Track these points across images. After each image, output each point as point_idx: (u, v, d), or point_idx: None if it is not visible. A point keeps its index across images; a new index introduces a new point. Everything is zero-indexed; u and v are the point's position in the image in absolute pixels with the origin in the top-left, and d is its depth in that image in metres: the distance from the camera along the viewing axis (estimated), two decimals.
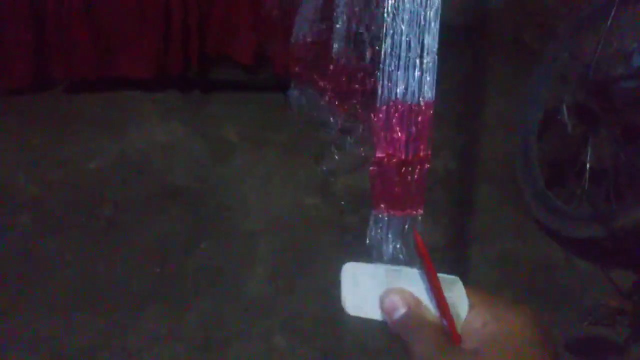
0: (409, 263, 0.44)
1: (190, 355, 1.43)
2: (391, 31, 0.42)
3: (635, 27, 1.80)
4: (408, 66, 0.42)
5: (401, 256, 0.44)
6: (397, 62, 0.42)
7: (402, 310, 0.42)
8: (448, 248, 1.70)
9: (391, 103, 0.42)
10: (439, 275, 0.43)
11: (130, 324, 1.47)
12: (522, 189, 1.89)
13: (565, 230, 1.70)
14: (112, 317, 1.47)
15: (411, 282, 0.44)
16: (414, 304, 0.42)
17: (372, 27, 0.49)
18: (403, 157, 0.43)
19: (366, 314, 0.44)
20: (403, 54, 0.42)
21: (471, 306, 0.42)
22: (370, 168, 0.43)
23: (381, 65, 0.42)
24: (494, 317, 0.41)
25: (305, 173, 1.92)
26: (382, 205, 0.44)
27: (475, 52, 2.44)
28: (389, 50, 0.42)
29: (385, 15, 0.42)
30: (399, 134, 0.43)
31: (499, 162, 2.03)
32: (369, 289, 0.44)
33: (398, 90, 0.42)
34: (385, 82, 0.43)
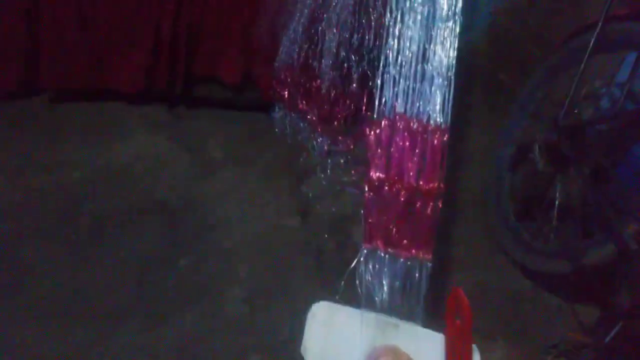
0: (408, 316, 0.37)
1: None
2: (396, 40, 0.34)
3: (604, 72, 1.90)
4: (420, 80, 0.34)
5: (400, 306, 0.37)
6: (404, 73, 0.34)
7: None
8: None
9: (396, 117, 0.34)
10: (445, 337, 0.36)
11: (107, 336, 1.47)
12: (493, 223, 1.96)
13: (533, 265, 1.77)
14: (89, 329, 1.47)
15: (409, 340, 0.37)
16: None
17: (366, 45, 0.41)
18: (412, 184, 0.35)
19: None
20: (411, 67, 0.34)
21: None
22: (365, 192, 0.35)
23: (381, 73, 0.34)
24: None
25: (287, 194, 1.96)
26: (378, 241, 0.36)
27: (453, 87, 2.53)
28: (392, 59, 0.34)
29: (389, 24, 0.34)
30: (406, 154, 0.35)
31: (473, 196, 2.10)
32: (348, 339, 0.36)
33: (404, 105, 0.34)
34: (388, 92, 0.35)
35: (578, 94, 1.83)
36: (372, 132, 0.37)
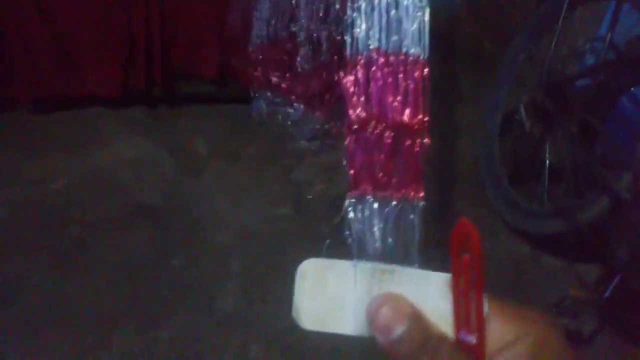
0: (404, 261, 0.34)
1: None
2: None
3: (586, 27, 1.87)
4: (394, 10, 0.33)
5: (394, 251, 0.34)
6: (375, 3, 0.33)
7: (402, 326, 0.32)
8: (420, 249, 1.73)
9: (372, 53, 0.33)
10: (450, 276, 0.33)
11: (101, 344, 1.45)
12: (486, 189, 1.93)
13: (529, 227, 1.75)
14: (82, 339, 1.45)
15: (409, 285, 0.34)
16: (416, 317, 0.33)
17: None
18: (396, 120, 0.33)
19: (333, 328, 0.34)
20: None
21: (488, 317, 0.34)
22: (347, 137, 0.33)
23: (353, 5, 0.33)
24: (526, 332, 0.34)
25: (276, 184, 1.94)
26: (365, 185, 0.34)
27: (439, 61, 2.50)
28: None
29: None
30: (387, 89, 0.33)
31: (466, 165, 2.07)
32: (343, 294, 0.34)
33: (380, 39, 0.33)
34: (362, 26, 0.33)
35: (560, 51, 1.81)
36: (347, 73, 0.33)
